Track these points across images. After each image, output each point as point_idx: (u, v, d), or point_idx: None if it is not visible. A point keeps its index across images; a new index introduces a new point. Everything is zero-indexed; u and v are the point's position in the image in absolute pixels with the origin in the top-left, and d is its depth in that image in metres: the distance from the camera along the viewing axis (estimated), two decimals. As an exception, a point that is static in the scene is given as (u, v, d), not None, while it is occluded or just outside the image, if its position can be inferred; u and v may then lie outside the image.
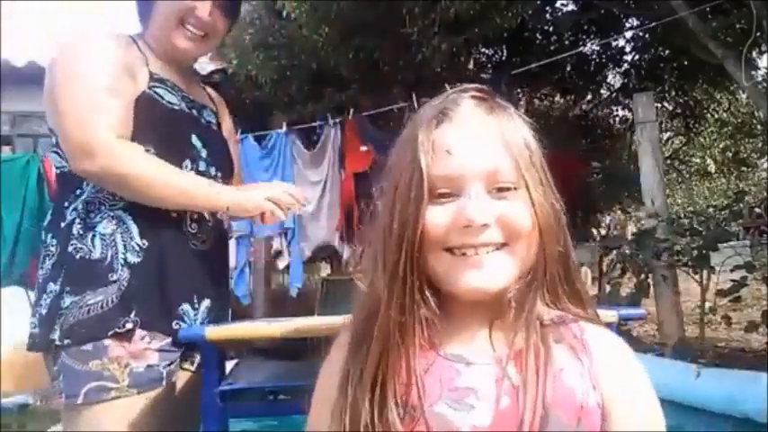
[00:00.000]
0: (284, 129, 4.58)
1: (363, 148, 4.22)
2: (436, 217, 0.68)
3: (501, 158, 0.70)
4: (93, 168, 1.13)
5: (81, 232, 1.17)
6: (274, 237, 4.67)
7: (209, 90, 1.50)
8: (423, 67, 4.62)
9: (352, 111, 4.34)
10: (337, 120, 4.35)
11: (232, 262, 4.36)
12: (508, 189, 0.70)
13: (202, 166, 1.29)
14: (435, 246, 0.69)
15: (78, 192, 1.20)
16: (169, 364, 1.18)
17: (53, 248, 1.20)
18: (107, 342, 1.13)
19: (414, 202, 0.68)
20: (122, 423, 1.11)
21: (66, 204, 1.21)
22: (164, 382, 1.16)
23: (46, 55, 5.54)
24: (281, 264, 4.67)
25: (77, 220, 1.18)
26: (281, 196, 1.27)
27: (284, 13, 4.79)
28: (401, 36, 4.36)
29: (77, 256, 1.16)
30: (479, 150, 0.69)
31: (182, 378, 1.24)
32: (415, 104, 3.92)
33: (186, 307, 1.23)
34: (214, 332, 1.13)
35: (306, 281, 5.44)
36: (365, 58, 4.71)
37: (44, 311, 1.17)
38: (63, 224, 1.19)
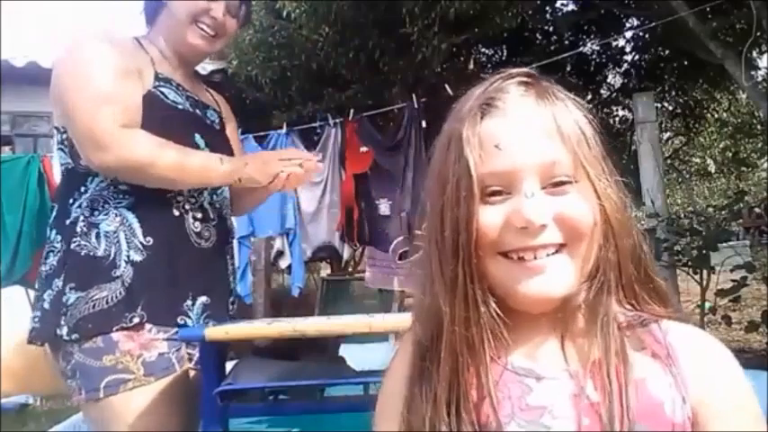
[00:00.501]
0: (284, 129, 4.57)
1: (363, 149, 4.22)
2: (489, 218, 0.62)
3: (556, 150, 0.62)
4: (108, 161, 1.15)
5: (85, 230, 1.20)
6: (275, 237, 4.67)
7: (213, 92, 1.52)
8: (423, 67, 4.63)
9: (352, 111, 4.33)
10: (337, 120, 4.34)
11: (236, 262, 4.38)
12: (566, 183, 0.62)
13: None
14: (490, 250, 0.62)
15: (83, 189, 1.22)
16: (177, 350, 1.22)
17: (57, 245, 1.22)
18: (116, 337, 1.16)
19: (464, 205, 0.62)
20: (145, 411, 1.15)
21: (71, 202, 1.23)
22: (177, 368, 1.20)
23: (46, 55, 5.55)
24: (283, 264, 4.66)
25: (81, 218, 1.20)
26: (291, 160, 1.29)
27: (284, 14, 4.79)
28: (401, 36, 4.37)
29: (82, 253, 1.19)
30: (532, 143, 0.62)
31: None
32: (415, 104, 3.93)
33: (189, 303, 1.25)
34: (214, 332, 1.13)
35: (306, 281, 5.44)
36: (365, 58, 4.71)
37: (48, 306, 1.19)
38: (68, 221, 1.21)
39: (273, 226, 4.51)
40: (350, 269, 6.46)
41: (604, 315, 0.62)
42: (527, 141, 0.62)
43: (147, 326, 1.18)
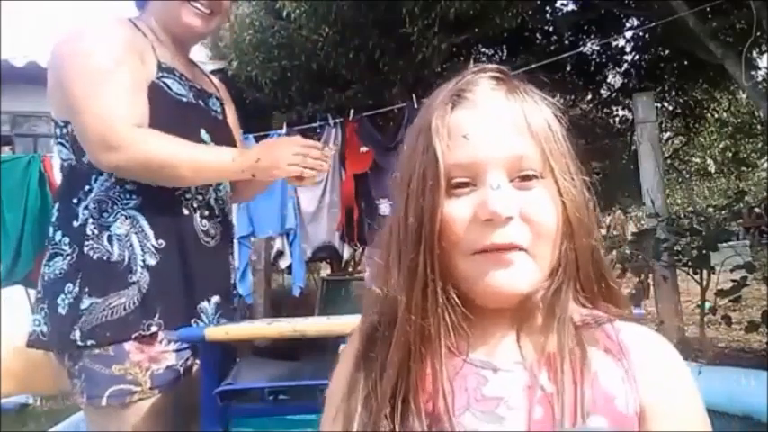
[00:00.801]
0: (284, 129, 4.57)
1: (363, 149, 4.22)
2: (454, 211, 0.61)
3: (524, 144, 0.63)
4: (119, 161, 1.12)
5: (96, 232, 1.16)
6: (275, 237, 4.67)
7: (212, 77, 1.49)
8: (423, 67, 4.63)
9: (352, 111, 4.33)
10: (337, 120, 4.34)
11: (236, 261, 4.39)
12: (532, 178, 0.62)
13: None
14: (455, 244, 0.62)
15: (87, 188, 1.18)
16: (186, 360, 1.21)
17: (66, 247, 1.18)
18: (128, 347, 1.14)
19: (430, 194, 0.61)
20: (147, 421, 1.15)
21: (75, 202, 1.19)
22: (182, 379, 1.19)
23: (46, 55, 5.54)
24: (283, 264, 4.67)
25: (90, 220, 1.17)
26: (306, 156, 1.21)
27: (284, 14, 4.79)
28: (401, 36, 4.37)
29: (95, 257, 1.15)
30: (500, 135, 0.62)
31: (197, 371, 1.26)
32: (415, 104, 3.93)
33: (203, 304, 1.25)
34: (214, 332, 1.13)
35: (306, 281, 5.44)
36: (365, 58, 4.71)
37: (61, 311, 1.15)
38: (76, 223, 1.18)
39: (273, 226, 4.51)
40: (350, 269, 6.45)
41: (561, 312, 0.63)
42: (495, 133, 0.62)
43: (161, 335, 1.17)
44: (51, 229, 1.22)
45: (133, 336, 1.14)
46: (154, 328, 1.15)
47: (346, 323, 1.22)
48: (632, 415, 0.60)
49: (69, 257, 1.17)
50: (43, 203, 3.76)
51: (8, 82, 5.21)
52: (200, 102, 1.32)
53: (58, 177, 3.81)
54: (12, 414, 4.27)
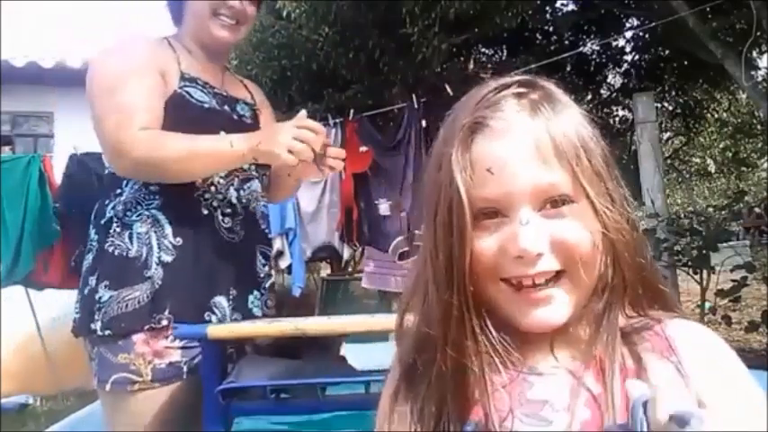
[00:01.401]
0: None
1: (363, 149, 4.22)
2: (484, 245, 0.60)
3: (553, 170, 0.60)
4: (129, 164, 1.20)
5: (119, 230, 1.26)
6: (275, 237, 4.67)
7: (246, 81, 1.55)
8: (423, 67, 4.63)
9: (352, 111, 4.34)
10: (337, 120, 4.34)
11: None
12: (564, 203, 0.60)
13: None
14: (489, 276, 0.61)
15: (118, 191, 1.28)
16: (192, 359, 1.25)
17: (95, 244, 1.29)
18: (135, 338, 1.21)
19: (458, 232, 0.60)
20: (146, 411, 1.21)
21: (107, 202, 1.29)
22: (184, 376, 1.24)
23: (46, 55, 5.56)
24: (283, 264, 4.66)
25: (115, 219, 1.26)
26: (303, 137, 1.19)
27: (284, 14, 4.80)
28: (401, 36, 4.37)
29: (115, 253, 1.24)
30: (526, 165, 0.59)
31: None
32: (415, 104, 3.94)
33: (218, 299, 1.29)
34: (216, 331, 1.13)
35: (306, 281, 5.44)
36: (365, 58, 4.72)
37: (86, 302, 1.26)
38: (103, 221, 1.28)
39: (273, 226, 4.48)
40: (350, 269, 6.45)
41: (609, 327, 0.61)
42: (521, 164, 0.59)
43: (167, 331, 1.22)
44: (90, 228, 1.33)
45: (145, 327, 1.21)
46: (164, 322, 1.22)
47: (347, 323, 1.22)
48: None
49: (95, 253, 1.29)
50: (43, 203, 3.76)
51: (8, 82, 5.21)
52: (225, 107, 1.38)
53: (58, 177, 3.83)
54: (12, 414, 4.28)
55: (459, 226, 0.60)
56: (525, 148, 0.60)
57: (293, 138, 1.17)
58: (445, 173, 0.61)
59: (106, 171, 1.33)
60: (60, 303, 3.93)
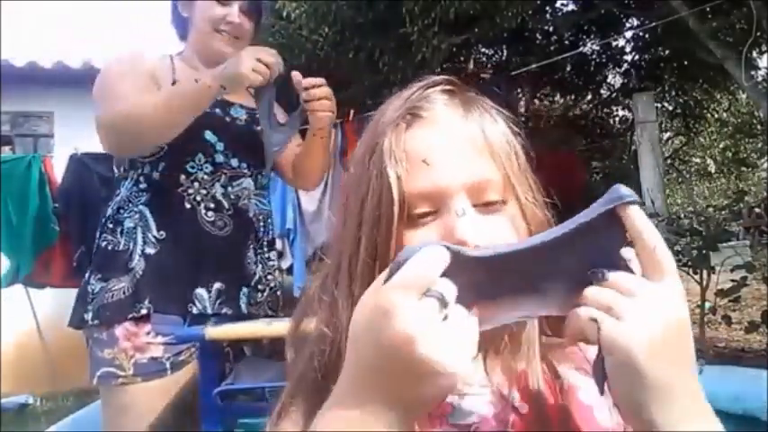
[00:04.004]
0: (284, 129, 4.56)
1: (363, 149, 4.22)
2: (416, 241, 0.54)
3: (487, 168, 0.58)
4: (108, 137, 1.30)
5: (111, 227, 1.36)
6: (276, 238, 4.67)
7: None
8: (423, 67, 4.62)
9: (352, 111, 4.33)
10: (337, 120, 4.34)
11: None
12: (495, 203, 0.58)
13: (220, 158, 1.39)
14: None
15: (118, 192, 1.41)
16: (176, 355, 1.28)
17: (97, 241, 1.39)
18: (118, 333, 1.27)
19: (385, 227, 0.56)
20: (130, 405, 1.26)
21: (110, 203, 1.41)
22: (168, 372, 1.27)
23: (46, 55, 5.56)
24: (284, 264, 4.67)
25: (111, 217, 1.37)
26: (264, 59, 1.28)
27: (284, 14, 4.79)
28: (401, 36, 4.37)
29: (108, 248, 1.34)
30: (463, 158, 0.57)
31: (191, 368, 1.32)
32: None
33: (200, 291, 1.32)
34: (214, 332, 1.13)
35: (307, 281, 5.44)
36: (365, 58, 4.71)
37: (79, 294, 1.35)
38: (103, 220, 1.39)
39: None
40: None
41: (529, 343, 0.59)
42: (458, 157, 0.57)
43: (147, 327, 1.26)
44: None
45: (128, 317, 1.27)
46: (144, 311, 1.27)
47: (346, 323, 1.23)
48: (615, 426, 0.57)
49: (93, 249, 1.39)
50: (43, 203, 3.76)
51: (8, 82, 5.21)
52: (216, 109, 1.42)
53: (58, 177, 3.83)
54: (12, 414, 4.28)
55: (387, 220, 0.56)
56: (461, 141, 0.58)
57: (256, 59, 1.25)
58: (376, 162, 0.58)
59: (116, 174, 1.44)
60: (60, 303, 3.93)
